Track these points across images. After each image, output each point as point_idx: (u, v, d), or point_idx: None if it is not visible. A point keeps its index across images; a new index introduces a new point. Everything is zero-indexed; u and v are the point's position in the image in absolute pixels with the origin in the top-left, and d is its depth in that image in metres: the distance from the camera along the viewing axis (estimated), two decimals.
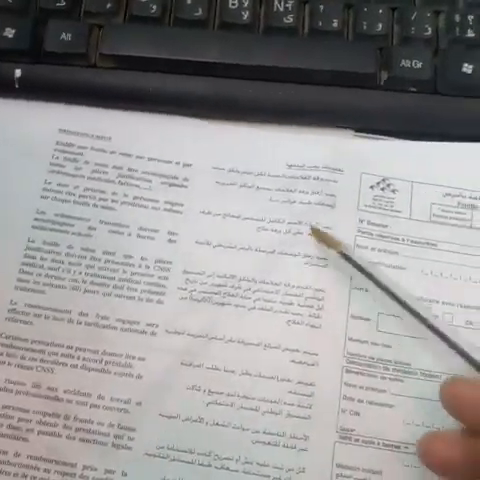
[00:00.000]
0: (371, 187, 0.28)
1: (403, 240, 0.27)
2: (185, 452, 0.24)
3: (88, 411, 0.24)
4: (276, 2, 0.29)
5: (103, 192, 0.27)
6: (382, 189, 0.28)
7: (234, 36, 0.29)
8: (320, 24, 0.29)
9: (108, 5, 0.29)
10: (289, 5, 0.29)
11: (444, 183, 0.28)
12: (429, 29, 0.29)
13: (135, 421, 0.24)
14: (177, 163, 0.28)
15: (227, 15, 0.29)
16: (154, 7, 0.29)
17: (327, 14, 0.29)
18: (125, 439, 0.24)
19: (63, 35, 0.28)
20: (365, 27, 0.29)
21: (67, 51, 0.28)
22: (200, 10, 0.29)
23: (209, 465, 0.24)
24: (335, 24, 0.29)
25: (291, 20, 0.29)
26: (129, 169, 0.28)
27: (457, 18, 0.29)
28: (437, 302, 0.26)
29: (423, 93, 0.28)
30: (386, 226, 0.27)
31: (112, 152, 0.28)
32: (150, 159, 0.28)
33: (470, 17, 0.29)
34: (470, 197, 0.27)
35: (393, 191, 0.27)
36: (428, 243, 0.26)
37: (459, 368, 0.24)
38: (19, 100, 0.29)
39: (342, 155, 0.28)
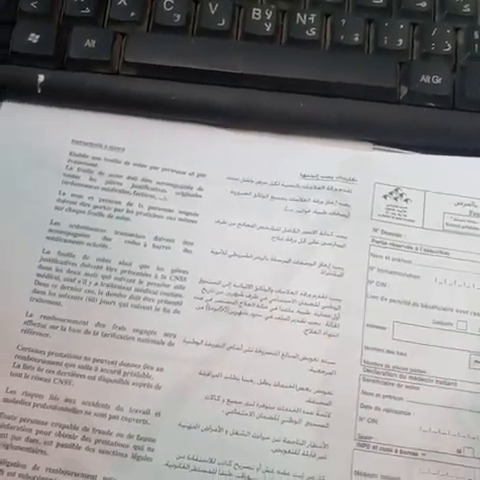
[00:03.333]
0: (384, 197, 0.29)
1: (417, 249, 0.28)
2: (205, 462, 0.25)
3: (107, 422, 0.25)
4: (299, 15, 0.30)
5: (118, 203, 0.28)
6: (395, 199, 0.29)
7: (256, 47, 0.30)
8: (342, 38, 0.30)
9: (132, 14, 0.30)
10: (312, 18, 0.30)
11: (456, 192, 0.29)
12: (448, 45, 0.30)
13: (155, 432, 0.25)
14: (191, 173, 0.29)
15: (250, 26, 0.30)
16: (178, 16, 0.30)
17: (349, 28, 0.30)
18: (145, 450, 0.25)
19: (87, 42, 0.29)
20: (386, 42, 0.30)
21: (91, 58, 0.29)
22: (223, 21, 0.30)
23: (230, 474, 0.25)
24: (356, 38, 0.30)
25: (313, 33, 0.30)
26: (143, 179, 0.29)
27: (476, 35, 0.30)
28: (451, 310, 0.27)
29: (441, 108, 0.30)
30: (400, 235, 0.28)
31: (126, 163, 0.29)
32: (164, 169, 0.29)
33: None
34: None
35: (406, 201, 0.29)
36: (441, 252, 0.28)
37: (473, 376, 0.26)
38: (39, 106, 0.29)
39: (355, 165, 0.29)
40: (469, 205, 0.29)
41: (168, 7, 0.30)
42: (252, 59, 0.30)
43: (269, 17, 0.30)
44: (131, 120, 0.30)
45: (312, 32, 0.30)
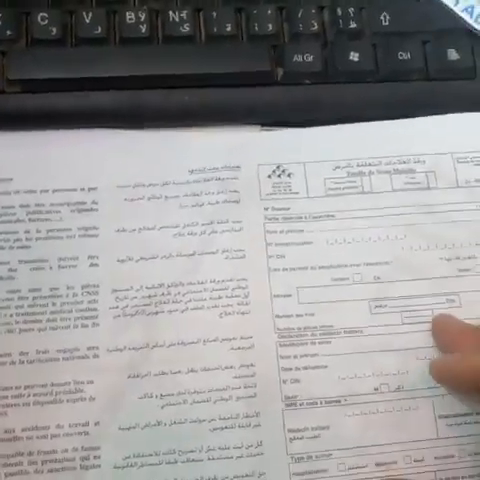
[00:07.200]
0: (269, 176, 0.33)
1: (306, 218, 0.32)
2: (151, 456, 0.29)
3: (50, 442, 0.28)
4: (171, 13, 0.33)
5: (16, 232, 0.31)
6: (279, 176, 0.33)
7: (134, 49, 0.33)
8: (215, 30, 0.34)
9: (8, 32, 0.32)
10: (184, 15, 0.34)
11: (333, 158, 0.33)
12: (315, 24, 0.34)
13: (97, 440, 0.29)
14: (82, 189, 0.32)
15: (126, 30, 0.33)
16: (54, 29, 0.33)
17: (220, 20, 0.34)
18: (91, 459, 0.28)
19: None
20: (257, 28, 0.34)
21: None
22: (99, 28, 0.33)
23: (175, 462, 0.29)
24: (229, 28, 0.34)
25: (188, 29, 0.33)
26: (36, 205, 0.32)
27: (339, 11, 0.34)
28: (345, 266, 0.31)
29: (316, 84, 0.34)
30: (288, 208, 0.32)
31: (16, 192, 0.31)
32: (55, 190, 0.32)
33: (351, 10, 0.35)
34: (357, 165, 0.33)
35: (289, 175, 0.33)
36: (327, 215, 0.32)
37: (375, 320, 0.31)
38: None
39: (240, 151, 0.33)
40: (346, 167, 0.33)
41: (43, 21, 0.33)
42: (132, 61, 0.33)
43: (143, 19, 0.33)
44: (16, 144, 0.32)
45: (186, 28, 0.34)
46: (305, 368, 0.30)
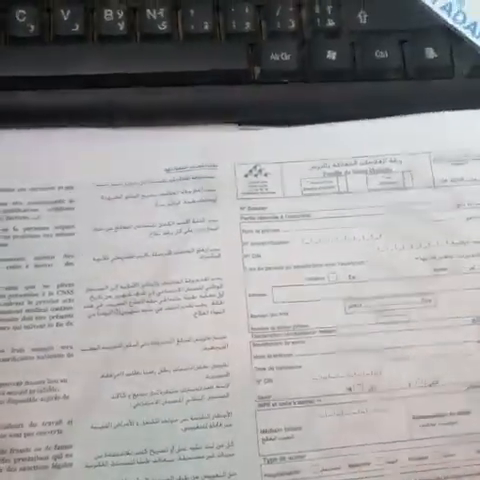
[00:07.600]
0: (245, 175, 0.33)
1: (281, 217, 0.32)
2: (123, 455, 0.29)
3: (23, 441, 0.29)
4: (148, 11, 0.34)
5: None
6: (255, 175, 0.33)
7: (113, 47, 0.33)
8: (192, 28, 0.34)
9: None
10: (161, 13, 0.34)
11: (309, 158, 0.34)
12: (293, 22, 0.34)
13: (70, 439, 0.29)
14: (60, 187, 0.32)
15: (104, 28, 0.34)
16: (32, 27, 0.33)
17: (198, 18, 0.34)
18: (64, 458, 0.29)
19: None
20: (234, 26, 0.34)
21: None
22: (77, 26, 0.33)
23: (147, 462, 0.29)
24: (206, 27, 0.34)
25: (165, 27, 0.34)
26: (14, 203, 0.32)
27: (317, 9, 0.35)
28: (321, 266, 0.32)
29: (294, 82, 0.34)
30: (265, 208, 0.33)
31: None
32: (33, 189, 0.32)
33: (329, 8, 0.35)
34: (333, 165, 0.33)
35: (265, 175, 0.33)
36: (303, 215, 0.32)
37: (350, 320, 0.31)
38: None
39: (217, 150, 0.33)
40: (322, 167, 0.33)
41: (21, 18, 0.33)
42: (110, 59, 0.33)
43: (121, 16, 0.34)
44: None
45: (164, 26, 0.34)
46: (279, 368, 0.30)
